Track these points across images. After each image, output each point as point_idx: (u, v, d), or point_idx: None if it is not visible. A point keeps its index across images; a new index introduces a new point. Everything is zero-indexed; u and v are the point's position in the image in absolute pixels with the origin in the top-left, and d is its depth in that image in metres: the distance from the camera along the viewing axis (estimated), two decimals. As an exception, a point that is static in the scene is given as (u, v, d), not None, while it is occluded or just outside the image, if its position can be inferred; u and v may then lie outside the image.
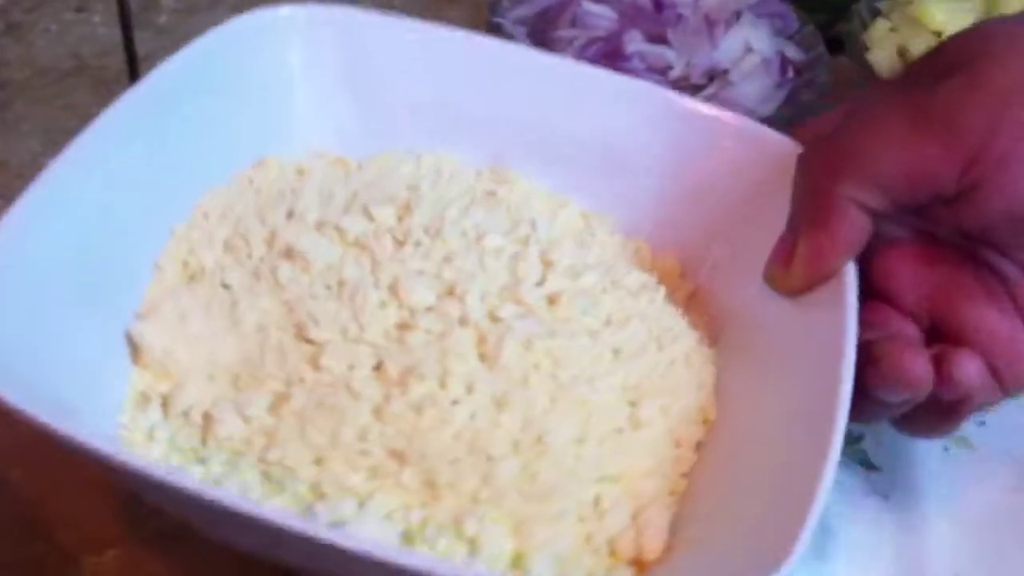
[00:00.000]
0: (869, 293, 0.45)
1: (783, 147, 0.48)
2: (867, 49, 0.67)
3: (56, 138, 0.67)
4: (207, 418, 0.42)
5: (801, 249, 0.44)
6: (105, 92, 0.71)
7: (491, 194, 0.51)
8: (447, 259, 0.46)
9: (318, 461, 0.40)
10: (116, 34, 0.75)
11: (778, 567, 0.34)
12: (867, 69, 0.65)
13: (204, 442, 0.41)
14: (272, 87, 0.52)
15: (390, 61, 0.53)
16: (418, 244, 0.47)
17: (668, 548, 0.41)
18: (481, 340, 0.44)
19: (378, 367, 0.43)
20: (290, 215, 0.48)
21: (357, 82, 0.53)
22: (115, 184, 0.46)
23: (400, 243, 0.47)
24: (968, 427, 0.54)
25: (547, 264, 0.47)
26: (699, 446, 0.44)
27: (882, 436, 0.54)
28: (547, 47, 0.64)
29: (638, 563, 0.40)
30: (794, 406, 0.42)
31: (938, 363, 0.42)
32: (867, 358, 0.41)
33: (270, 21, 0.52)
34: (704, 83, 0.63)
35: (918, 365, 0.41)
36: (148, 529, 0.48)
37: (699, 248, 0.51)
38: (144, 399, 0.43)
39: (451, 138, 0.53)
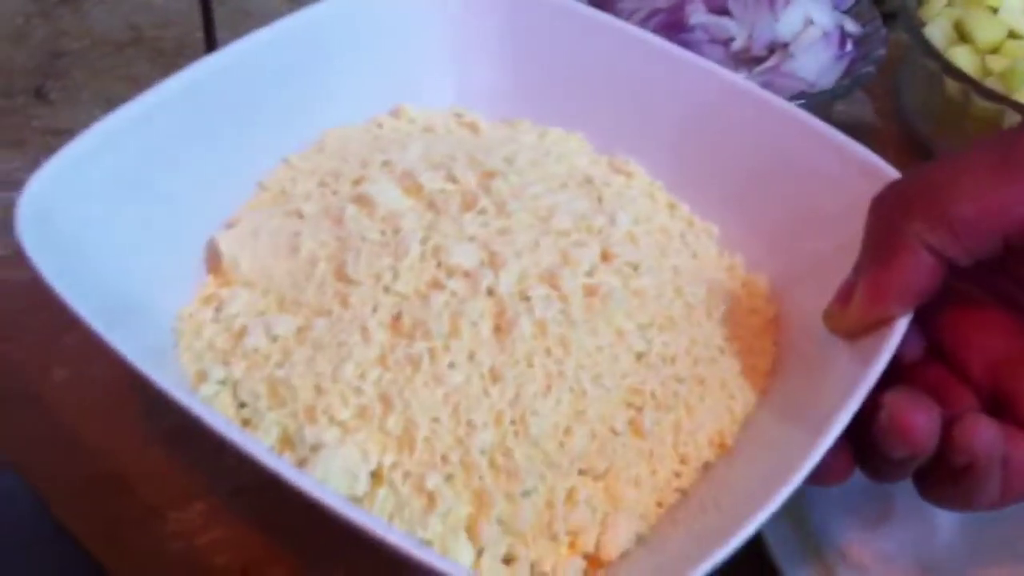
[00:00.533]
0: (934, 354, 0.42)
1: None
2: (923, 24, 0.67)
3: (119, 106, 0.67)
4: (242, 328, 0.45)
5: (860, 288, 0.41)
6: (165, 63, 0.71)
7: (588, 181, 0.52)
8: (503, 231, 0.47)
9: (317, 388, 0.43)
10: (173, 5, 0.76)
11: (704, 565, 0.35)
12: (923, 43, 0.65)
13: (233, 348, 0.45)
14: (420, 43, 0.55)
15: (548, 37, 0.55)
16: (483, 211, 0.48)
17: (629, 553, 0.42)
18: (501, 314, 0.45)
19: (397, 316, 0.44)
20: (385, 162, 0.50)
21: (510, 50, 0.56)
22: (231, 110, 0.50)
23: (468, 207, 0.48)
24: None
25: (605, 257, 0.48)
26: (706, 466, 0.45)
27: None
28: (608, 18, 0.64)
29: (593, 560, 0.42)
30: (791, 447, 0.40)
31: (948, 424, 0.38)
32: (874, 407, 0.38)
33: None
34: (765, 55, 0.63)
35: (919, 420, 0.38)
36: (230, 483, 0.49)
37: (794, 274, 0.50)
38: (207, 301, 0.47)
39: (586, 119, 0.55)
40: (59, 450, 0.50)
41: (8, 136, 0.65)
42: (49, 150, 0.64)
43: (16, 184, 0.62)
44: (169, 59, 0.72)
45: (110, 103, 0.67)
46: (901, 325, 0.42)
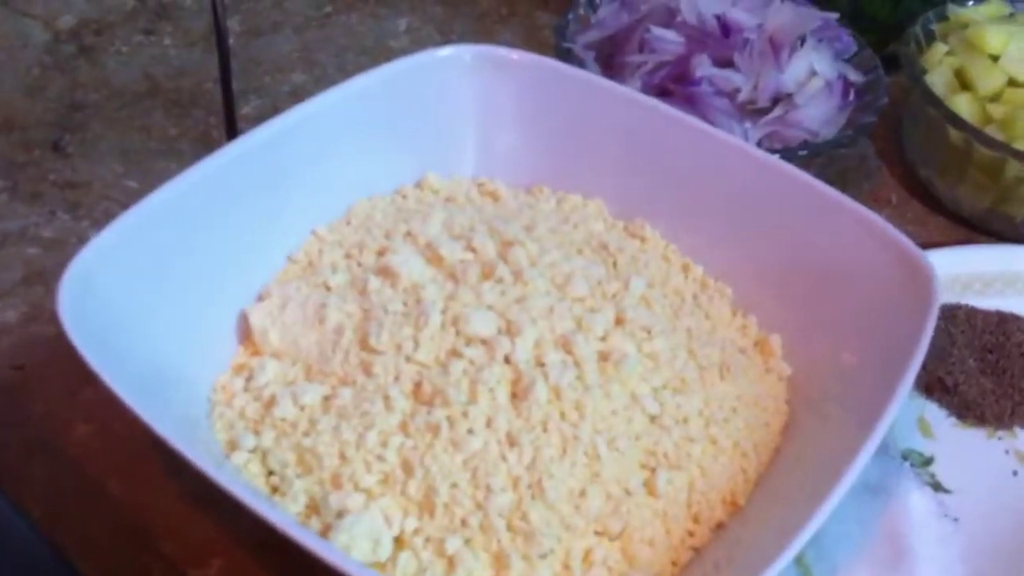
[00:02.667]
0: None
1: (921, 263, 0.49)
2: (925, 72, 0.68)
3: (136, 159, 0.69)
4: (271, 398, 0.47)
5: None
6: (180, 114, 0.72)
7: (603, 247, 0.53)
8: (520, 299, 0.49)
9: (342, 456, 0.44)
10: (186, 56, 0.77)
11: None
12: (926, 91, 0.66)
13: (263, 417, 0.47)
14: (444, 114, 0.58)
15: (565, 106, 0.57)
16: (500, 280, 0.49)
17: None
18: (517, 380, 0.46)
19: (418, 384, 0.46)
20: (408, 233, 0.52)
21: (529, 119, 0.58)
22: (263, 186, 0.52)
23: (486, 276, 0.49)
24: (1040, 452, 0.56)
25: (619, 321, 0.49)
26: (720, 525, 0.46)
27: (953, 459, 0.55)
28: (615, 72, 0.65)
29: None
30: (800, 505, 0.42)
31: None
32: None
33: (440, 59, 0.57)
34: (770, 106, 0.64)
35: None
36: (250, 540, 0.50)
37: (808, 333, 0.52)
38: (239, 370, 0.49)
39: (603, 184, 0.58)
40: (83, 504, 0.51)
41: (26, 189, 0.66)
42: (66, 203, 0.66)
43: (34, 240, 0.63)
44: (185, 109, 0.73)
45: (126, 155, 0.69)
46: (904, 386, 0.43)
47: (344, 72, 0.75)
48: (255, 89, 0.75)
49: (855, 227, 0.51)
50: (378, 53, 0.79)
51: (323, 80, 0.76)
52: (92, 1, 0.81)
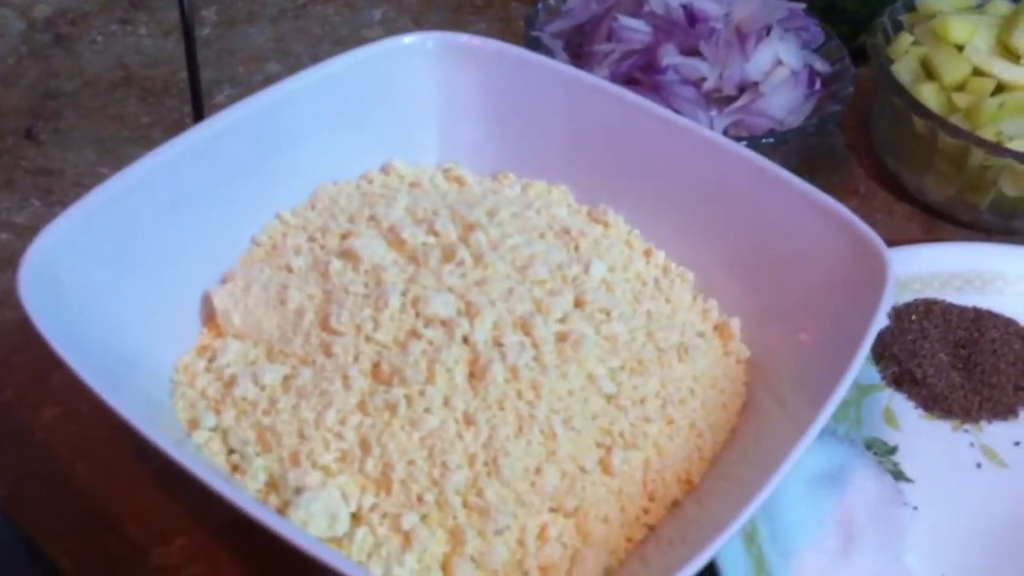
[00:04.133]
0: None
1: (876, 246, 0.49)
2: (891, 61, 0.69)
3: (110, 147, 0.69)
4: (232, 378, 0.48)
5: None
6: (154, 103, 0.73)
7: (566, 231, 0.54)
8: (480, 281, 0.49)
9: (301, 434, 0.45)
10: (161, 45, 0.78)
11: None
12: (891, 81, 0.67)
13: (224, 397, 0.47)
14: (409, 102, 0.58)
15: (529, 94, 0.58)
16: (460, 263, 0.50)
17: None
18: (475, 360, 0.47)
19: (377, 364, 0.46)
20: (371, 217, 0.53)
21: (493, 107, 0.58)
22: (229, 169, 0.52)
23: (447, 259, 0.50)
24: (1004, 446, 0.56)
25: (579, 304, 0.50)
26: (675, 503, 0.47)
27: (916, 449, 0.56)
28: (584, 61, 0.66)
29: None
30: (752, 484, 0.42)
31: None
32: None
33: (404, 46, 0.58)
34: (736, 94, 0.65)
35: None
36: (213, 520, 0.50)
37: (767, 316, 0.52)
38: (202, 352, 0.50)
39: (568, 172, 0.58)
40: (50, 487, 0.52)
41: (-1, 176, 0.67)
42: (39, 190, 0.67)
43: (6, 225, 0.64)
44: (158, 98, 0.73)
45: (99, 143, 0.70)
46: (853, 368, 0.44)
47: (318, 62, 0.76)
48: (229, 79, 0.75)
49: (813, 212, 0.51)
50: (353, 43, 0.78)
51: (297, 70, 0.75)
52: (68, -9, 0.82)
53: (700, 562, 0.38)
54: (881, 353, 0.60)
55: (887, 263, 0.48)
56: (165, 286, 0.50)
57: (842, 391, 0.44)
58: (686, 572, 0.38)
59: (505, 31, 0.82)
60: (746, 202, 0.54)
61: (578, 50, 0.66)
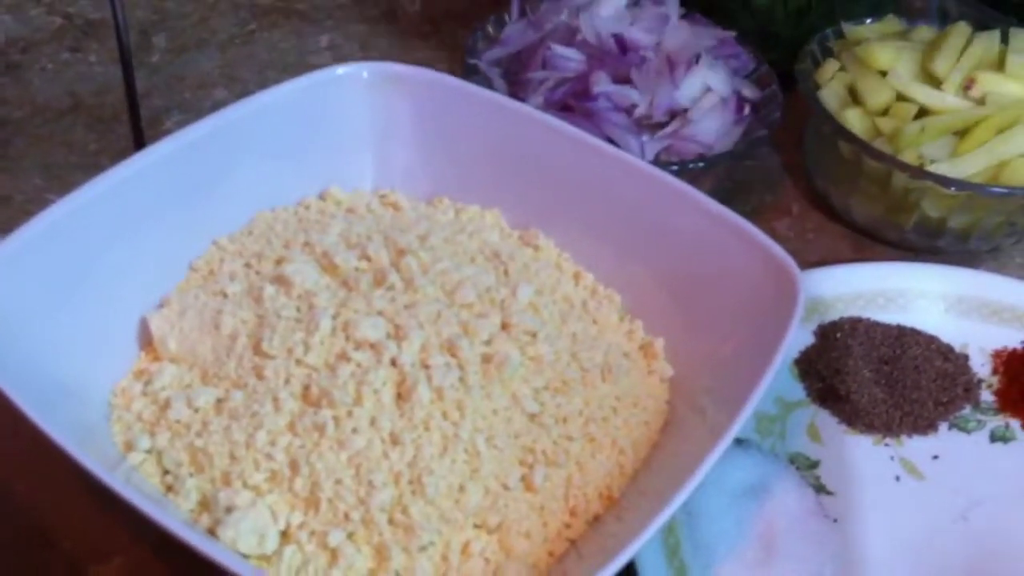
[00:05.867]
0: None
1: (787, 265, 0.51)
2: (818, 87, 0.71)
3: (57, 174, 0.71)
4: (167, 400, 0.49)
5: None
6: (103, 129, 0.74)
7: (496, 255, 0.56)
8: (410, 305, 0.51)
9: (232, 456, 0.47)
10: (112, 72, 0.79)
11: None
12: (818, 106, 0.69)
13: (159, 419, 0.49)
14: (342, 130, 0.60)
15: (458, 121, 0.60)
16: (391, 287, 0.52)
17: None
18: (402, 382, 0.48)
19: (307, 387, 0.48)
20: (306, 243, 0.54)
21: (425, 134, 0.60)
22: (167, 198, 0.53)
23: (378, 284, 0.52)
24: (922, 460, 0.59)
25: (505, 327, 0.52)
26: (596, 518, 0.48)
27: (838, 463, 0.58)
28: (519, 88, 0.68)
29: None
30: (668, 497, 0.44)
31: None
32: None
33: (339, 76, 0.59)
34: (666, 120, 0.67)
35: None
36: (152, 538, 0.51)
37: (691, 336, 0.54)
38: (139, 376, 0.51)
39: (501, 196, 0.60)
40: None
41: (-50, 203, 0.68)
42: (-12, 217, 0.68)
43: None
44: (107, 125, 0.75)
45: (48, 169, 0.71)
46: (766, 377, 0.46)
47: (265, 88, 0.77)
48: (178, 105, 0.77)
49: (730, 234, 0.53)
50: (300, 69, 0.79)
51: (244, 96, 0.78)
52: (20, 20, 0.83)
53: (616, 566, 0.40)
54: (807, 370, 0.62)
55: (797, 279, 0.50)
56: (104, 312, 0.51)
57: (755, 399, 0.46)
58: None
59: (451, 58, 0.84)
60: (669, 225, 0.56)
61: (515, 77, 0.68)
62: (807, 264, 0.64)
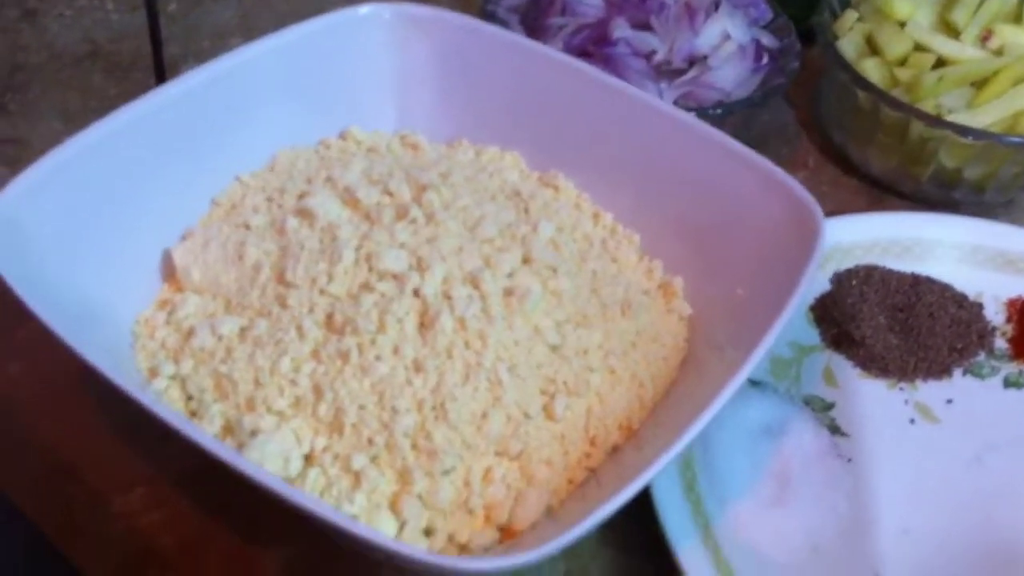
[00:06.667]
0: None
1: (807, 203, 0.51)
2: (836, 37, 0.71)
3: (75, 118, 0.71)
4: (191, 329, 0.49)
5: None
6: (120, 76, 0.74)
7: (516, 194, 0.56)
8: (432, 239, 0.51)
9: (256, 381, 0.47)
10: (129, 20, 0.79)
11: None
12: (836, 56, 0.69)
13: (182, 347, 0.49)
14: (365, 71, 0.60)
15: (482, 64, 0.60)
16: (413, 221, 0.52)
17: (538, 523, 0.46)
18: (425, 311, 0.48)
19: (330, 315, 0.48)
20: (328, 179, 0.54)
21: (447, 76, 0.60)
22: (191, 132, 0.54)
23: (400, 218, 0.52)
24: (936, 404, 0.59)
25: (526, 261, 0.52)
26: (615, 448, 0.49)
27: (852, 405, 0.58)
28: (538, 34, 0.68)
29: (507, 530, 0.46)
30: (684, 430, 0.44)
31: None
32: None
33: (361, 17, 0.60)
34: (685, 67, 0.67)
35: None
36: (174, 469, 0.52)
37: (710, 276, 0.55)
38: (162, 306, 0.52)
39: (521, 139, 0.60)
40: (15, 441, 0.53)
41: (-33, 145, 0.68)
42: (6, 160, 0.68)
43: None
44: (124, 72, 0.75)
45: (66, 115, 0.71)
46: (784, 314, 0.46)
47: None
48: (195, 54, 0.77)
49: (752, 174, 0.53)
50: None
51: (261, 45, 0.78)
52: (37, -33, 0.83)
53: (631, 491, 0.41)
54: (822, 316, 0.63)
55: (819, 219, 0.50)
56: (127, 243, 0.51)
57: (772, 337, 0.46)
58: (618, 501, 0.40)
59: (469, 5, 0.83)
60: (690, 166, 0.56)
61: (533, 23, 0.68)
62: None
